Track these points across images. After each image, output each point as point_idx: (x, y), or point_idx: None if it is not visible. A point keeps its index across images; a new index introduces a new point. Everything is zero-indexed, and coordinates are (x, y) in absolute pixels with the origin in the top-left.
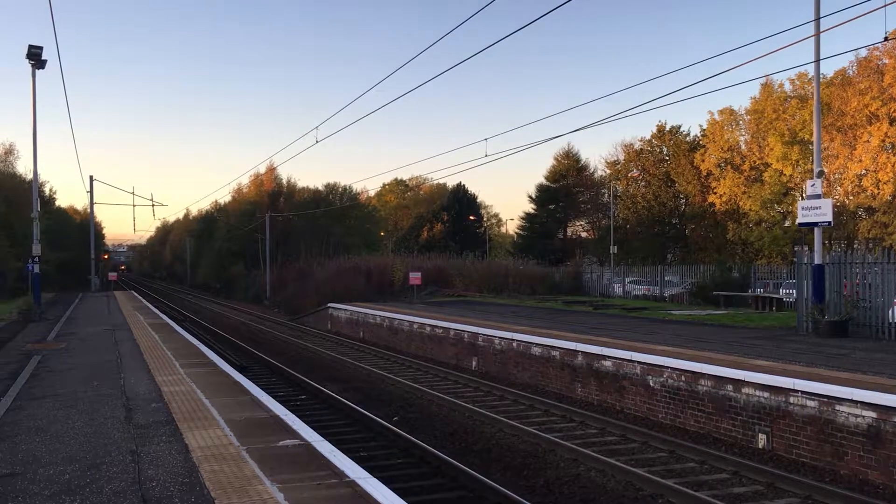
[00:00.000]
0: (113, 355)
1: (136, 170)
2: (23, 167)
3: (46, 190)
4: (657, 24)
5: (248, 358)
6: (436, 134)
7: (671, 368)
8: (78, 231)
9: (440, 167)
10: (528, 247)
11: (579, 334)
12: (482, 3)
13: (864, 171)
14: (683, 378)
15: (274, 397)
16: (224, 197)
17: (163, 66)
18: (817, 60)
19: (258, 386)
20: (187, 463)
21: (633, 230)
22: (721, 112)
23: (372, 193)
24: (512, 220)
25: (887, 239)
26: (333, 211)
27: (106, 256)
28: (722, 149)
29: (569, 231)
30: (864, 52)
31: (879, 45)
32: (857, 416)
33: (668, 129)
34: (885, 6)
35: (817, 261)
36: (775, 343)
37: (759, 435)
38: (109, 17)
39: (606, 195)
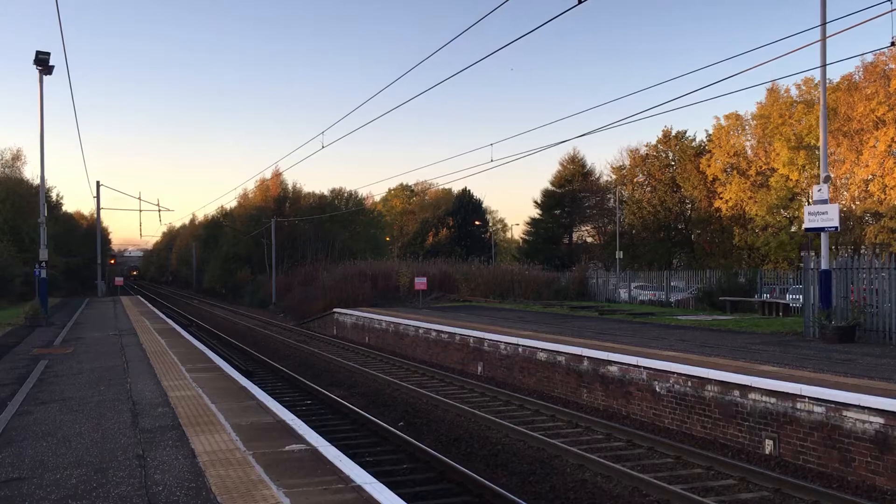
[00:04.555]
0: (119, 360)
1: (143, 175)
2: (30, 172)
3: (53, 195)
4: (663, 29)
5: (253, 363)
6: (441, 139)
7: (677, 374)
8: (84, 236)
9: (446, 172)
10: (533, 252)
11: (585, 339)
12: (488, 9)
13: (870, 176)
14: (690, 383)
15: (280, 402)
16: (230, 202)
17: (169, 72)
18: (823, 65)
19: (264, 391)
20: (193, 467)
21: (639, 235)
22: (727, 117)
23: (377, 199)
24: (518, 225)
25: (894, 244)
26: (339, 216)
27: (113, 261)
28: (728, 154)
29: (574, 236)
30: (870, 58)
31: (886, 50)
32: (864, 421)
33: (673, 134)
34: (891, 11)
35: (824, 266)
36: (782, 348)
37: (766, 441)
38: (116, 22)
39: (612, 200)
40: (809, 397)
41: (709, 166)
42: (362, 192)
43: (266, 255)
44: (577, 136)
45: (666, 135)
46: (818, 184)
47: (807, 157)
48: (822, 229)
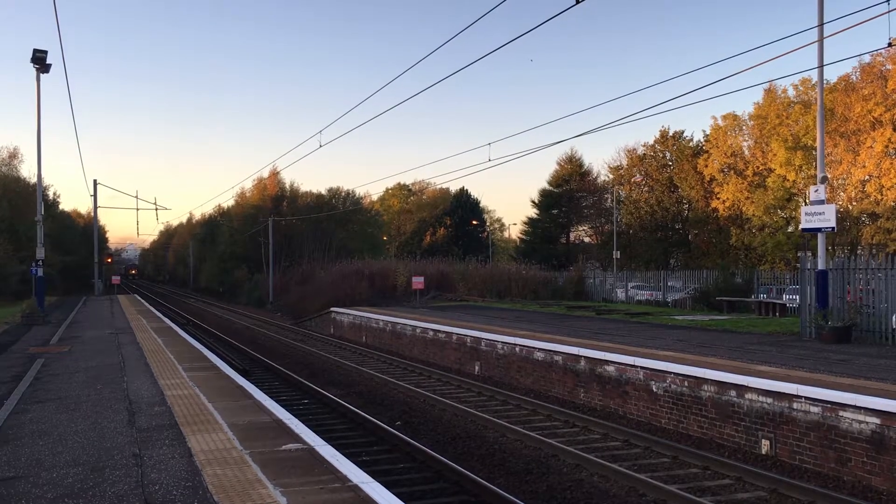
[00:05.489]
0: (116, 359)
1: (140, 174)
2: (27, 171)
3: (50, 193)
4: (660, 30)
5: (250, 362)
6: (439, 138)
7: (674, 374)
8: (82, 235)
9: (443, 172)
10: (531, 251)
11: (582, 339)
12: (485, 9)
13: (867, 177)
14: (686, 383)
15: (277, 401)
16: (227, 201)
17: (166, 70)
18: (821, 66)
19: (261, 390)
20: (190, 466)
21: (637, 235)
22: (724, 117)
23: (375, 198)
24: (515, 224)
25: (891, 245)
26: (336, 215)
27: (110, 260)
28: (725, 154)
29: (572, 236)
30: (867, 58)
31: (883, 50)
32: (860, 422)
33: (671, 134)
34: (888, 12)
35: (821, 266)
36: (779, 349)
37: (763, 441)
38: (113, 20)
39: (609, 200)
40: (806, 397)
41: (706, 166)
42: (360, 192)
43: (263, 254)
44: (574, 136)
45: (663, 135)
46: (815, 184)
47: (804, 158)
48: (819, 230)
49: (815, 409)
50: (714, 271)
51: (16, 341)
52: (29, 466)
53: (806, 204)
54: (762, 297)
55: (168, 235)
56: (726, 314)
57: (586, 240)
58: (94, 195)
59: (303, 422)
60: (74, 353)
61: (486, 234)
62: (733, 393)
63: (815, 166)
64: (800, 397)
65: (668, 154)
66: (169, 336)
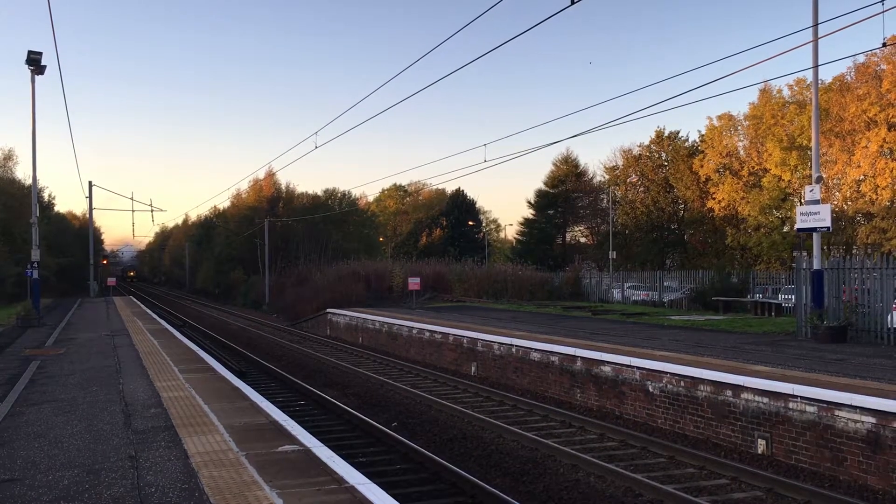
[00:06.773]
0: (112, 361)
1: (136, 175)
2: (22, 172)
3: (45, 195)
4: (655, 30)
5: (246, 363)
6: (435, 139)
7: (670, 374)
8: (77, 236)
9: (439, 172)
10: (527, 252)
11: (578, 339)
12: (481, 10)
13: (862, 177)
14: (683, 383)
15: (273, 403)
16: (223, 202)
17: (162, 72)
18: (816, 66)
19: (257, 391)
20: (186, 469)
21: (632, 235)
22: (720, 118)
23: (371, 199)
24: (511, 225)
25: (886, 244)
26: (332, 216)
27: (105, 262)
28: (721, 154)
29: (568, 236)
30: (862, 58)
31: (877, 50)
32: (856, 421)
33: (666, 134)
34: (882, 12)
35: (816, 266)
36: (774, 348)
37: (759, 440)
38: (109, 21)
39: (605, 200)
40: (802, 397)
41: (701, 167)
42: (356, 193)
43: (259, 256)
44: (570, 137)
45: (659, 135)
46: (810, 184)
47: (799, 158)
48: (814, 229)
49: (810, 409)
50: (710, 271)
51: (11, 343)
52: (25, 469)
53: (801, 204)
54: (758, 297)
55: (164, 237)
56: (722, 314)
57: (582, 240)
58: (90, 197)
59: (299, 423)
60: (70, 355)
61: (482, 234)
62: (729, 393)
63: (811, 166)
64: (795, 397)
65: (663, 154)
66: (164, 338)
